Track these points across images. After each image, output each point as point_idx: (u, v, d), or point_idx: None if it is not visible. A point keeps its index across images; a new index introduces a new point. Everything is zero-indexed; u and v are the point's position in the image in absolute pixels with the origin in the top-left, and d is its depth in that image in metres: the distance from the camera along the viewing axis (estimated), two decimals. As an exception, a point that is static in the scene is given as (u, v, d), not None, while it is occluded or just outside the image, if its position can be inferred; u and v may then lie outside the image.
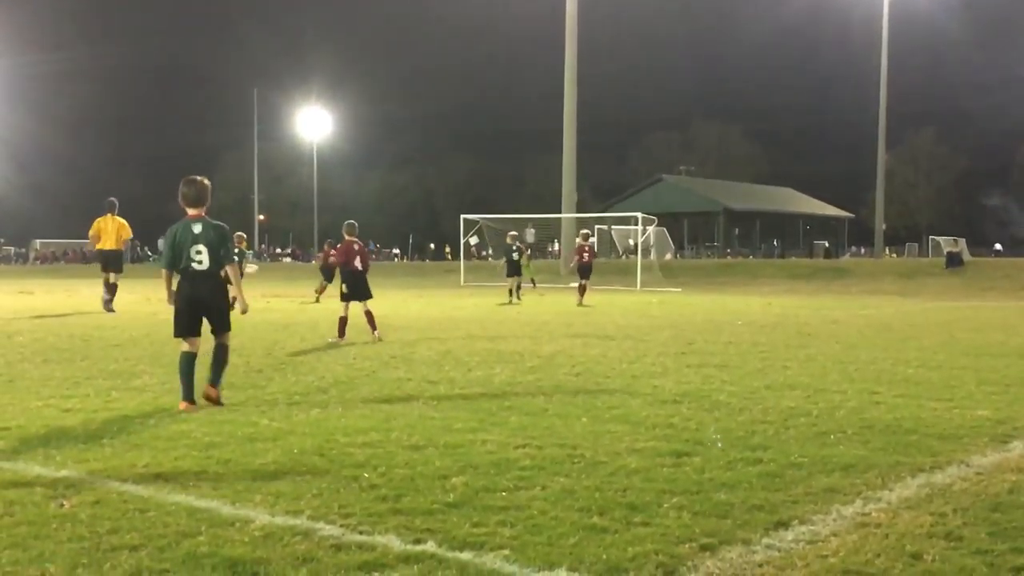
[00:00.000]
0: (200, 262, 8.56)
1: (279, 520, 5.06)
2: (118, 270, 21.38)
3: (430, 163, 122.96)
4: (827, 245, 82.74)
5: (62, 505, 5.34)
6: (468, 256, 49.85)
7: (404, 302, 27.22)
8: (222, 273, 8.80)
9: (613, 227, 65.30)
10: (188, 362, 8.55)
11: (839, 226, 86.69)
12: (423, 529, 4.92)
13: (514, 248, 29.76)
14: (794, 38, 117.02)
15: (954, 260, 43.87)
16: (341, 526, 4.98)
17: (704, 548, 4.65)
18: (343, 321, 14.51)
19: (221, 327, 8.80)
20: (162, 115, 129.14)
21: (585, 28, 51.82)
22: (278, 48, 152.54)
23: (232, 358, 9.34)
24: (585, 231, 30.54)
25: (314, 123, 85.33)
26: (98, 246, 21.26)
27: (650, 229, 46.68)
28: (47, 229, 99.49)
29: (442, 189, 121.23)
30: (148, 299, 25.66)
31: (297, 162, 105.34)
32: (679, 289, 37.70)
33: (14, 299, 27.86)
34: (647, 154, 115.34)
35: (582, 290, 27.03)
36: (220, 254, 8.64)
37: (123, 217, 21.39)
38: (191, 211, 8.67)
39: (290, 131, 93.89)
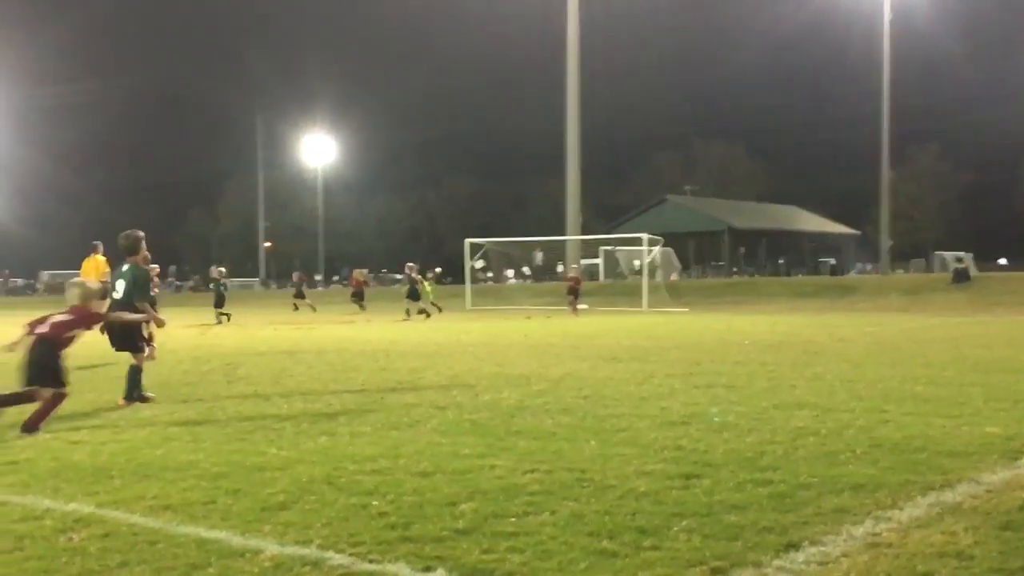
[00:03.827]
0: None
1: (289, 550, 5.05)
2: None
3: (433, 187, 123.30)
4: (833, 262, 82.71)
5: (71, 539, 5.33)
6: (475, 280, 49.95)
7: (410, 327, 27.22)
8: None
9: (619, 248, 65.33)
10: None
11: (844, 243, 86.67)
12: (433, 556, 4.91)
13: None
14: (795, 56, 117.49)
15: (961, 276, 43.80)
16: (351, 555, 4.97)
17: (715, 571, 4.63)
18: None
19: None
20: (167, 145, 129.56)
21: (586, 50, 52.15)
22: (282, 76, 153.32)
23: (240, 387, 9.68)
24: (574, 265, 43.09)
25: (318, 149, 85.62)
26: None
27: (656, 249, 46.66)
28: (55, 260, 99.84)
29: (445, 213, 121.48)
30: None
31: (301, 188, 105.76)
32: (686, 309, 37.68)
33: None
34: (651, 174, 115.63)
35: (573, 306, 35.66)
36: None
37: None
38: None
39: (294, 158, 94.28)
